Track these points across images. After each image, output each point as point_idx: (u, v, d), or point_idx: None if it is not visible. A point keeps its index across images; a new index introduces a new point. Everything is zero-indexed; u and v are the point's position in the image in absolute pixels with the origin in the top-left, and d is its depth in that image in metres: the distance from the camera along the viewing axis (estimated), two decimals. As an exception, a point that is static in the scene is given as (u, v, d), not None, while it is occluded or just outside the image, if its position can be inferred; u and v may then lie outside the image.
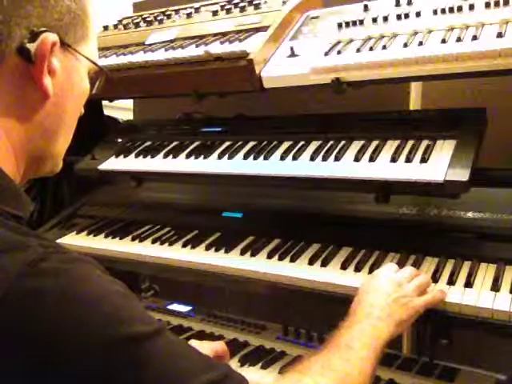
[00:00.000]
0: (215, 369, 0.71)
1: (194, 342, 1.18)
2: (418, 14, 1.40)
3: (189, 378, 0.67)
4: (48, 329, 0.62)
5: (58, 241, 1.75)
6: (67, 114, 0.85)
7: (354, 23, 1.49)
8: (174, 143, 1.73)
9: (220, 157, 1.54)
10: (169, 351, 0.68)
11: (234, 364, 1.48)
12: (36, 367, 0.62)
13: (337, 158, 1.35)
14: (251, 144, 1.57)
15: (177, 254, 1.55)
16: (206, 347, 1.16)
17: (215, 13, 1.75)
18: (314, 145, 1.46)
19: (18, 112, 0.79)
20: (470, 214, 1.35)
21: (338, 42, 1.44)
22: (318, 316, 1.73)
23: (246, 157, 1.50)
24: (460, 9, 1.35)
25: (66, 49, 0.81)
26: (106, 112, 2.29)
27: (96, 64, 0.88)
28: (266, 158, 1.46)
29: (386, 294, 1.06)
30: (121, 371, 0.63)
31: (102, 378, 0.63)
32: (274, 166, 1.43)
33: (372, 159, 1.31)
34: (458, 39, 1.24)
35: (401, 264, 1.28)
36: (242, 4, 1.71)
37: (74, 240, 1.77)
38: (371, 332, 0.98)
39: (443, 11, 1.37)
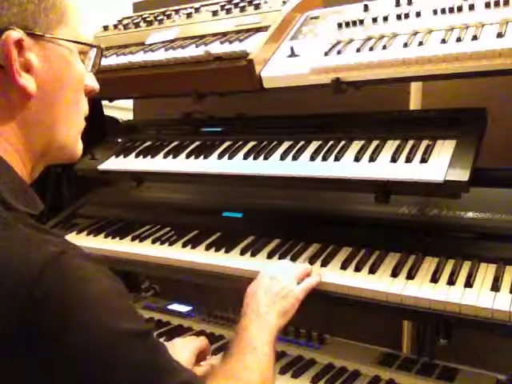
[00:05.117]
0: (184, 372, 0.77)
1: (178, 340, 1.29)
2: (418, 14, 1.40)
3: (174, 374, 0.74)
4: (63, 320, 0.66)
5: (58, 241, 1.75)
6: (60, 104, 0.82)
7: (354, 23, 1.49)
8: (174, 143, 1.73)
9: (220, 157, 1.54)
10: (151, 351, 0.73)
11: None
12: (43, 346, 0.65)
13: (337, 158, 1.35)
14: (251, 144, 1.57)
15: (177, 253, 1.55)
16: (189, 345, 1.24)
17: (215, 13, 1.75)
18: (314, 145, 1.46)
19: (9, 117, 0.78)
20: (470, 214, 1.35)
21: (338, 42, 1.44)
22: (318, 316, 1.73)
23: (245, 157, 1.50)
24: (460, 9, 1.35)
25: (40, 39, 0.77)
26: (106, 112, 2.29)
27: (82, 43, 0.84)
28: (265, 158, 1.46)
29: (269, 291, 1.17)
30: (120, 360, 0.68)
31: (102, 366, 0.67)
32: (274, 166, 1.43)
33: (372, 159, 1.31)
34: (458, 39, 1.24)
35: (401, 264, 1.28)
36: (242, 4, 1.71)
37: (74, 240, 1.77)
38: (265, 328, 1.09)
39: (443, 11, 1.37)
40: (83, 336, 0.66)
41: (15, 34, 0.74)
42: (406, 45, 1.30)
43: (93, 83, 0.89)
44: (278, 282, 1.19)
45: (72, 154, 0.88)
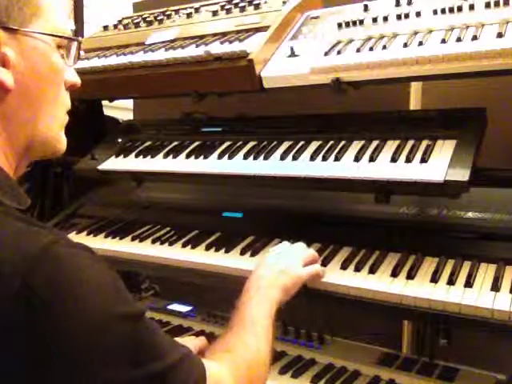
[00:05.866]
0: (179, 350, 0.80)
1: (177, 340, 1.24)
2: (418, 14, 1.40)
3: (165, 355, 0.76)
4: (59, 307, 0.67)
5: (58, 241, 1.75)
6: (39, 98, 0.82)
7: (354, 23, 1.49)
8: (174, 143, 1.73)
9: (220, 157, 1.54)
10: (145, 333, 0.75)
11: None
12: (42, 339, 0.66)
13: (337, 158, 1.35)
14: (251, 144, 1.57)
15: (177, 253, 1.55)
16: (188, 345, 1.20)
17: (215, 13, 1.75)
18: (314, 145, 1.46)
19: None
20: (470, 214, 1.35)
21: (338, 42, 1.44)
22: (318, 316, 1.73)
23: (245, 157, 1.50)
24: (460, 9, 1.35)
25: (15, 33, 0.77)
26: (106, 112, 2.29)
27: (59, 36, 0.83)
28: (266, 158, 1.46)
29: (272, 266, 1.19)
30: (112, 343, 0.69)
31: (96, 349, 0.68)
32: (274, 165, 1.43)
33: (372, 159, 1.31)
34: (458, 39, 1.24)
35: (401, 264, 1.28)
36: (242, 4, 1.71)
37: (74, 240, 1.77)
38: (265, 301, 1.09)
39: (443, 11, 1.37)
40: (78, 321, 0.67)
41: None
42: (405, 45, 1.30)
43: (73, 78, 0.89)
44: (283, 260, 1.21)
45: (55, 149, 0.88)
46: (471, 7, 1.34)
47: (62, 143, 0.88)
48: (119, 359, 0.70)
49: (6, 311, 0.65)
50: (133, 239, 1.69)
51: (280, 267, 1.19)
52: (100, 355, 0.68)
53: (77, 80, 0.89)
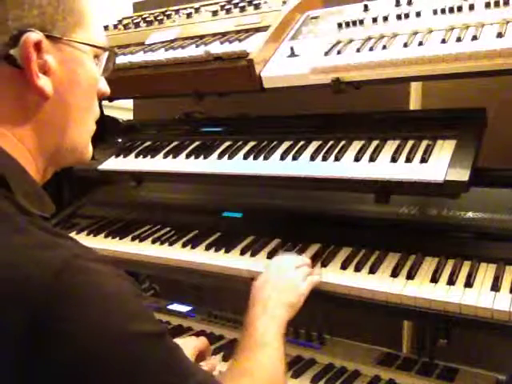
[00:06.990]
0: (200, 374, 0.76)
1: (177, 340, 1.24)
2: (418, 14, 1.40)
3: (190, 375, 0.73)
4: (77, 322, 0.65)
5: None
6: (74, 106, 0.83)
7: (354, 23, 1.49)
8: (174, 143, 1.73)
9: (220, 157, 1.54)
10: (169, 352, 0.72)
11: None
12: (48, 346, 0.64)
13: (337, 158, 1.36)
14: (251, 144, 1.57)
15: (177, 253, 1.55)
16: (188, 346, 1.22)
17: (215, 13, 1.75)
18: (314, 145, 1.46)
19: (24, 118, 0.78)
20: (470, 214, 1.35)
21: (338, 42, 1.44)
22: (318, 316, 1.73)
23: (245, 157, 1.50)
24: (460, 9, 1.35)
25: (57, 42, 0.78)
26: (106, 112, 2.29)
27: (98, 46, 0.85)
28: (265, 158, 1.46)
29: (276, 284, 1.17)
30: (126, 363, 0.67)
31: (108, 366, 0.66)
32: (274, 165, 1.43)
33: (372, 159, 1.31)
34: (458, 39, 1.24)
35: (401, 264, 1.28)
36: (241, 4, 1.71)
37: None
38: (274, 322, 1.09)
39: (443, 11, 1.37)
40: (99, 339, 0.65)
41: (35, 35, 0.75)
42: (406, 45, 1.30)
43: (105, 87, 0.90)
44: (286, 276, 1.20)
45: (82, 157, 0.89)
46: (471, 7, 1.34)
47: (89, 151, 0.90)
48: (147, 378, 0.67)
49: (24, 324, 0.64)
50: (133, 239, 1.69)
51: (286, 286, 1.18)
52: (123, 375, 0.66)
53: (107, 89, 0.90)
